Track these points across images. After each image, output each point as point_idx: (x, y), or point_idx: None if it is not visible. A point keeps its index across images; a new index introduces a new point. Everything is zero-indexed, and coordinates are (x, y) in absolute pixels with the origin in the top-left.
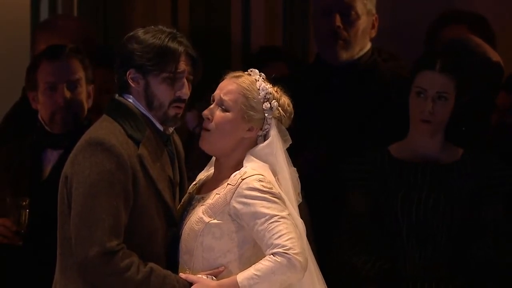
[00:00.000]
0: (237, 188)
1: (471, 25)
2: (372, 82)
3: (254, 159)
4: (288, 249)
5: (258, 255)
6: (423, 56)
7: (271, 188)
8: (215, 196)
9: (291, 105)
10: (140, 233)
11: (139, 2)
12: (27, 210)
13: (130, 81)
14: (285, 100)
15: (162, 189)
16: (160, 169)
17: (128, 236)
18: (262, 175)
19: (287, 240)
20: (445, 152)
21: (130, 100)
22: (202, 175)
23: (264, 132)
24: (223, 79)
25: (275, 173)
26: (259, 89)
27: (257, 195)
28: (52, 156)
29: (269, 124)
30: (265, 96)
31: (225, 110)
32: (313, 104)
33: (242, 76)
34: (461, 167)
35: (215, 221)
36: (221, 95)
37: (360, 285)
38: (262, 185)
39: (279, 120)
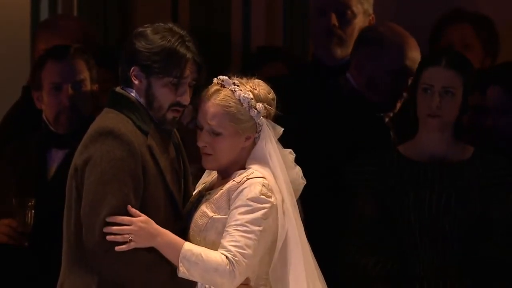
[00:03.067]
0: (240, 185)
1: (475, 24)
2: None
3: (256, 164)
4: (237, 262)
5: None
6: (429, 54)
7: (269, 197)
8: (219, 192)
9: (271, 91)
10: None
11: (139, 2)
12: (33, 211)
13: (133, 78)
14: (264, 91)
15: (170, 180)
16: (167, 161)
17: None
18: (266, 180)
19: (241, 254)
20: (455, 150)
21: (133, 94)
22: (205, 179)
23: (259, 134)
24: (200, 101)
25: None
26: (239, 100)
27: (246, 200)
28: (57, 156)
29: (261, 125)
30: (248, 104)
31: (218, 134)
32: (310, 104)
33: (218, 92)
34: (471, 166)
35: (219, 216)
36: (208, 122)
37: (371, 286)
38: (261, 191)
39: (267, 116)
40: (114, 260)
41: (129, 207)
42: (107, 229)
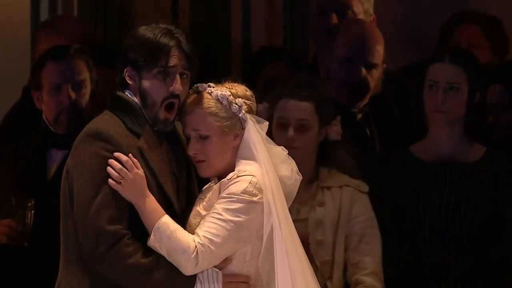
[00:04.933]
0: (230, 182)
1: (483, 25)
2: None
3: (244, 161)
4: (203, 245)
5: (254, 253)
6: (433, 52)
7: (254, 195)
8: (211, 190)
9: (247, 89)
10: (141, 225)
11: (139, 2)
12: (32, 211)
13: (127, 79)
14: (240, 88)
15: (164, 182)
16: (162, 162)
17: (130, 228)
18: (255, 178)
19: (209, 240)
20: (466, 150)
21: (131, 96)
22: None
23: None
24: (182, 113)
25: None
26: (218, 99)
27: (228, 194)
28: (56, 156)
29: (245, 120)
30: (227, 100)
31: (205, 137)
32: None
33: (196, 98)
34: (482, 166)
35: None
36: (193, 128)
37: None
38: (246, 188)
39: (249, 111)
40: (111, 262)
41: (130, 155)
42: (111, 162)
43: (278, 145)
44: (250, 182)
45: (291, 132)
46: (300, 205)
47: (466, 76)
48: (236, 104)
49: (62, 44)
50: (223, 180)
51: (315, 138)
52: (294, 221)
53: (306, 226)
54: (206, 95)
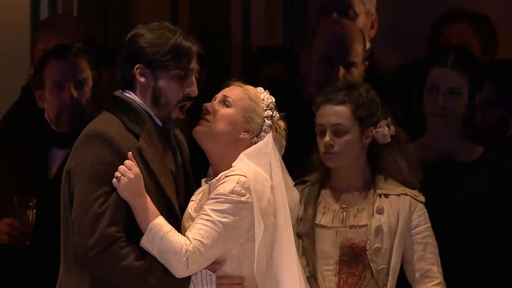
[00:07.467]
0: (218, 182)
1: (473, 23)
2: (372, 81)
3: (246, 160)
4: (192, 248)
5: (246, 254)
6: (436, 53)
7: (242, 195)
8: (202, 192)
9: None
10: (137, 226)
11: (139, 2)
12: (34, 210)
13: (138, 76)
14: (282, 124)
15: (164, 182)
16: (161, 162)
17: (129, 229)
18: (245, 177)
19: (199, 242)
20: (463, 150)
21: (130, 96)
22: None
23: (259, 139)
24: (228, 85)
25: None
26: (263, 99)
27: (216, 194)
28: (58, 155)
29: (266, 132)
30: (268, 104)
31: (228, 106)
32: (310, 104)
33: (248, 85)
34: (479, 167)
35: None
36: (225, 94)
37: None
38: (234, 188)
39: (275, 131)
40: (105, 263)
41: (130, 154)
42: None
43: (319, 152)
44: (237, 182)
45: (327, 137)
46: (359, 211)
47: (467, 80)
48: (272, 112)
49: (62, 43)
50: (212, 181)
51: (357, 141)
52: (352, 227)
53: (365, 233)
54: (256, 89)
